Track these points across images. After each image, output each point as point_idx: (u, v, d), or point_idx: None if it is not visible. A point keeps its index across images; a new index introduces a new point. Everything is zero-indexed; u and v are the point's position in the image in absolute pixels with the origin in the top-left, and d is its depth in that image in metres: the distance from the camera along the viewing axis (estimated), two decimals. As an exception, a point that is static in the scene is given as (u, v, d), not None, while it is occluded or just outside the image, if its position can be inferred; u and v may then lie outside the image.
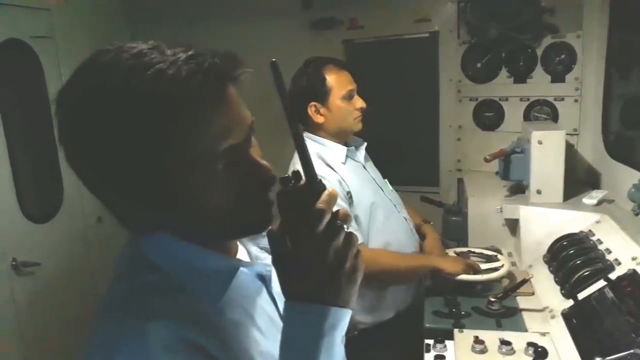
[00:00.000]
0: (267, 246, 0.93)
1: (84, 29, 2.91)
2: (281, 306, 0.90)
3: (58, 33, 2.83)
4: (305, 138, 2.12)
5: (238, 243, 0.92)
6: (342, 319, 0.73)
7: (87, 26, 2.94)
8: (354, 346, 2.00)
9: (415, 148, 3.34)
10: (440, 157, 3.20)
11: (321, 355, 0.70)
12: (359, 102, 2.03)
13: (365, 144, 2.19)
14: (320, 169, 1.86)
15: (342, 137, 2.08)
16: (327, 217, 0.70)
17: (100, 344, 0.71)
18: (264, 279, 0.91)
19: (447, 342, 1.67)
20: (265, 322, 0.86)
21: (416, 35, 3.13)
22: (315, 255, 0.70)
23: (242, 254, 0.91)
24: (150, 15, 3.11)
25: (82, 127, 0.70)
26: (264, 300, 0.89)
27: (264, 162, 0.77)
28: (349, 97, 2.01)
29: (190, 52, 0.70)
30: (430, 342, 1.68)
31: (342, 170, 1.99)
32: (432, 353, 1.63)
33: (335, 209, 0.72)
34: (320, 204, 0.70)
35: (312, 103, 2.00)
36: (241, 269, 0.83)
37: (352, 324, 1.97)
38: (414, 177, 3.21)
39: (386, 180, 2.25)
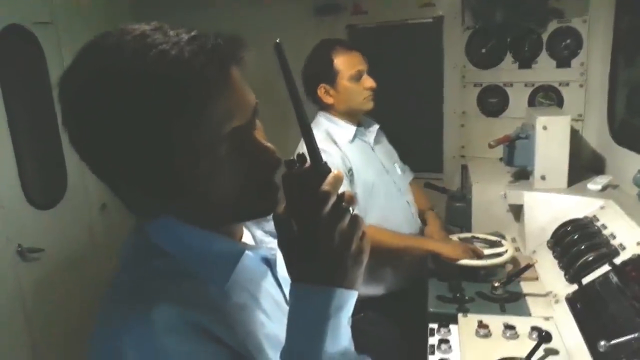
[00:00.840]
0: (272, 230, 0.93)
1: (85, 14, 2.89)
2: (286, 290, 0.90)
3: (59, 19, 2.81)
4: (318, 116, 2.16)
5: (243, 227, 0.91)
6: (348, 301, 0.73)
7: (88, 12, 2.92)
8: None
9: (419, 134, 3.33)
10: (444, 143, 3.19)
11: (327, 337, 0.70)
12: (369, 82, 2.09)
13: (377, 126, 2.27)
14: (326, 145, 1.99)
15: (353, 116, 2.15)
16: (333, 200, 0.70)
17: (107, 329, 0.71)
18: (269, 263, 0.91)
19: (451, 326, 1.68)
20: (270, 305, 0.86)
21: (420, 21, 3.10)
22: (321, 237, 0.70)
23: (247, 238, 0.91)
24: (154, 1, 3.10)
25: (86, 110, 0.69)
26: (269, 283, 0.89)
27: (269, 144, 0.77)
28: (357, 77, 2.07)
29: (193, 33, 0.70)
30: (435, 326, 1.69)
31: (347, 148, 2.08)
32: (436, 337, 1.64)
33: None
34: (325, 186, 0.69)
35: (322, 85, 2.09)
36: (246, 252, 0.83)
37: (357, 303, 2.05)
38: (418, 164, 3.17)
39: (396, 164, 2.30)
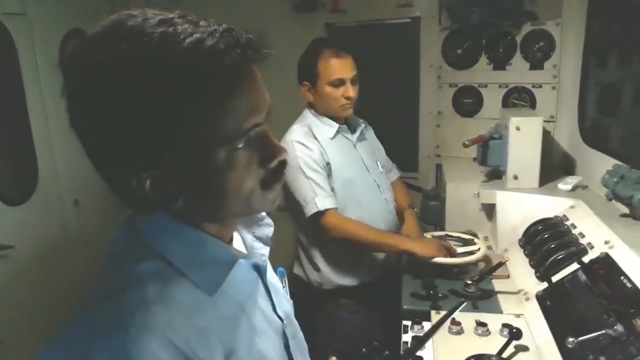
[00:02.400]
0: (262, 235, 0.93)
1: (59, 7, 2.82)
2: (275, 297, 0.91)
3: (32, 10, 2.73)
4: (305, 110, 2.16)
5: (234, 230, 0.90)
6: None
7: (63, 5, 2.85)
8: (322, 305, 2.16)
9: (394, 133, 3.33)
10: (420, 142, 3.23)
11: None
12: (348, 91, 2.10)
13: (363, 126, 2.32)
14: (306, 140, 2.09)
15: (332, 118, 2.18)
16: None
17: (83, 334, 0.66)
18: (259, 270, 0.90)
19: (424, 323, 1.70)
20: (259, 319, 0.85)
21: (397, 21, 3.13)
22: None
23: (237, 241, 0.90)
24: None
25: (103, 94, 0.66)
26: (259, 293, 0.88)
27: (279, 143, 0.78)
28: (337, 84, 2.08)
29: (225, 25, 0.69)
30: (408, 323, 1.71)
31: (327, 144, 2.13)
32: (410, 334, 1.66)
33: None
34: None
35: (305, 82, 2.15)
36: (239, 260, 0.82)
37: (322, 282, 2.20)
38: (394, 162, 3.22)
39: (378, 162, 2.35)
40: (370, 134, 2.42)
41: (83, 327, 0.67)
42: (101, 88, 0.66)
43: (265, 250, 0.92)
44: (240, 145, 0.71)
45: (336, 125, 2.17)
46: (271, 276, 0.94)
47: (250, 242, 0.93)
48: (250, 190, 0.75)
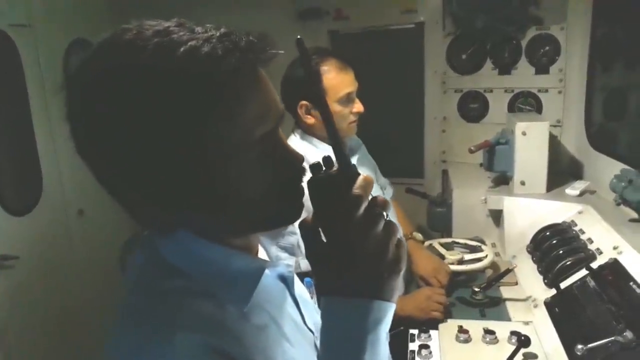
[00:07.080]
0: (287, 245, 0.90)
1: (64, 18, 2.85)
2: (304, 309, 0.87)
3: (37, 22, 2.76)
4: (293, 134, 1.88)
5: (258, 243, 0.87)
6: (387, 314, 0.67)
7: (67, 15, 2.88)
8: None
9: (400, 140, 3.34)
10: (425, 148, 3.21)
11: (366, 353, 0.65)
12: (357, 107, 1.87)
13: (362, 145, 2.11)
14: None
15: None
16: (365, 204, 0.65)
17: (124, 354, 0.65)
18: (286, 280, 0.87)
19: (431, 331, 1.67)
20: (291, 328, 0.82)
21: (402, 26, 3.13)
22: (354, 245, 0.64)
23: (261, 255, 0.86)
24: (133, 3, 3.06)
25: (100, 115, 0.62)
26: (288, 304, 0.85)
27: (295, 150, 0.74)
28: (346, 100, 1.83)
29: (223, 30, 0.65)
30: (415, 332, 1.69)
31: None
32: (417, 343, 1.64)
33: None
34: (356, 189, 0.64)
35: (303, 102, 1.83)
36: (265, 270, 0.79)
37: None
38: (399, 169, 3.21)
39: (377, 183, 2.20)
40: (365, 151, 2.19)
41: (124, 348, 0.66)
42: (99, 107, 0.63)
43: (291, 260, 0.89)
44: (251, 156, 0.67)
45: None
46: (299, 288, 0.90)
47: (275, 252, 0.91)
48: (267, 203, 0.70)
